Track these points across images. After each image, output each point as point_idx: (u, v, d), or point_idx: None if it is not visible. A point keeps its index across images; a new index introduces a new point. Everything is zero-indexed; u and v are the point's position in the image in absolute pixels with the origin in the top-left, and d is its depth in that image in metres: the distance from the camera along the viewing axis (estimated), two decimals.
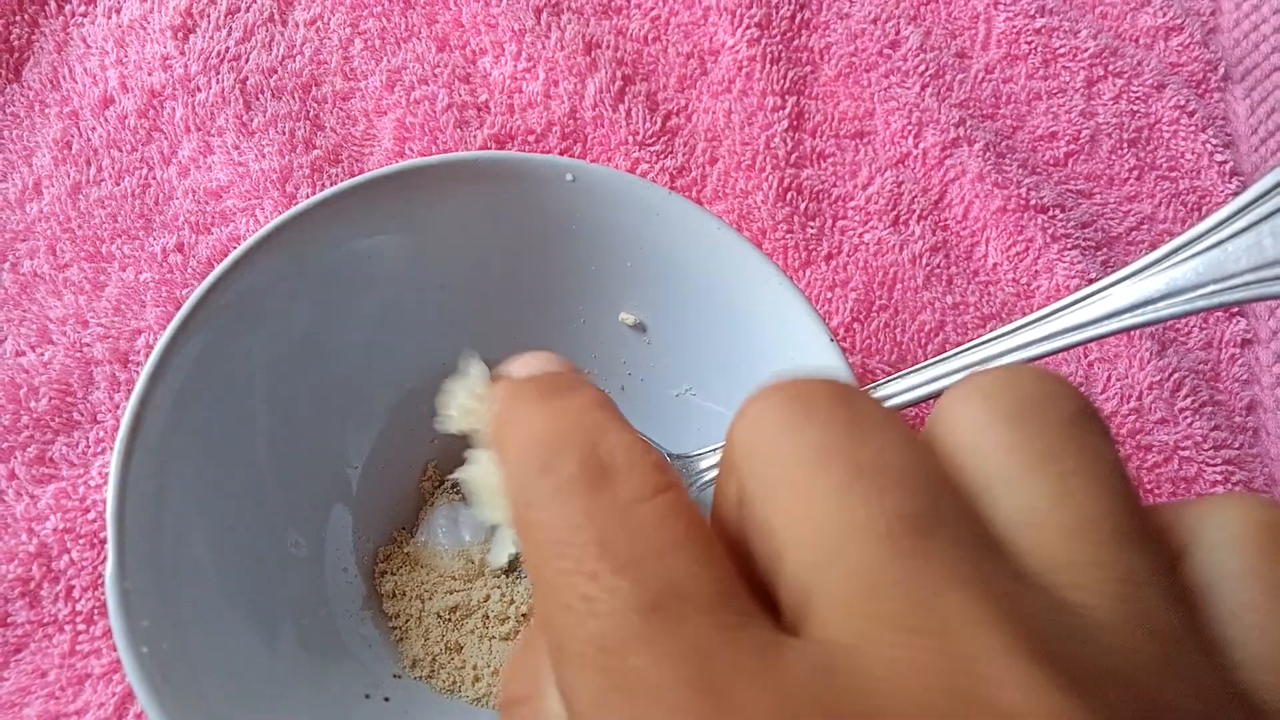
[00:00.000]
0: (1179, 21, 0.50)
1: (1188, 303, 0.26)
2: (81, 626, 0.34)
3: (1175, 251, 0.26)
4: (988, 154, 0.45)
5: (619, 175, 0.33)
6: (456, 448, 0.36)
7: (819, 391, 0.13)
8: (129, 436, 0.27)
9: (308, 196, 0.40)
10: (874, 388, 0.29)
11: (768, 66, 0.46)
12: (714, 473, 0.31)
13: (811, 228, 0.43)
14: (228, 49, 0.43)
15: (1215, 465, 0.40)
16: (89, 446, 0.36)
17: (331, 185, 0.40)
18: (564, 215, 0.33)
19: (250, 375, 0.30)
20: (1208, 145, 0.47)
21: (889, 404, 0.28)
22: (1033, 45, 0.48)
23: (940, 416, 0.13)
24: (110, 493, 0.26)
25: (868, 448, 0.12)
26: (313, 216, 0.31)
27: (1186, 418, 0.41)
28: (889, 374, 0.41)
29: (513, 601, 0.33)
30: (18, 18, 0.44)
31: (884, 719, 0.10)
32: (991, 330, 0.42)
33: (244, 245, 0.29)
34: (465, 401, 0.17)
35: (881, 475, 0.11)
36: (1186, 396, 0.41)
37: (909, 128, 0.45)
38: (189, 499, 0.28)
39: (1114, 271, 0.27)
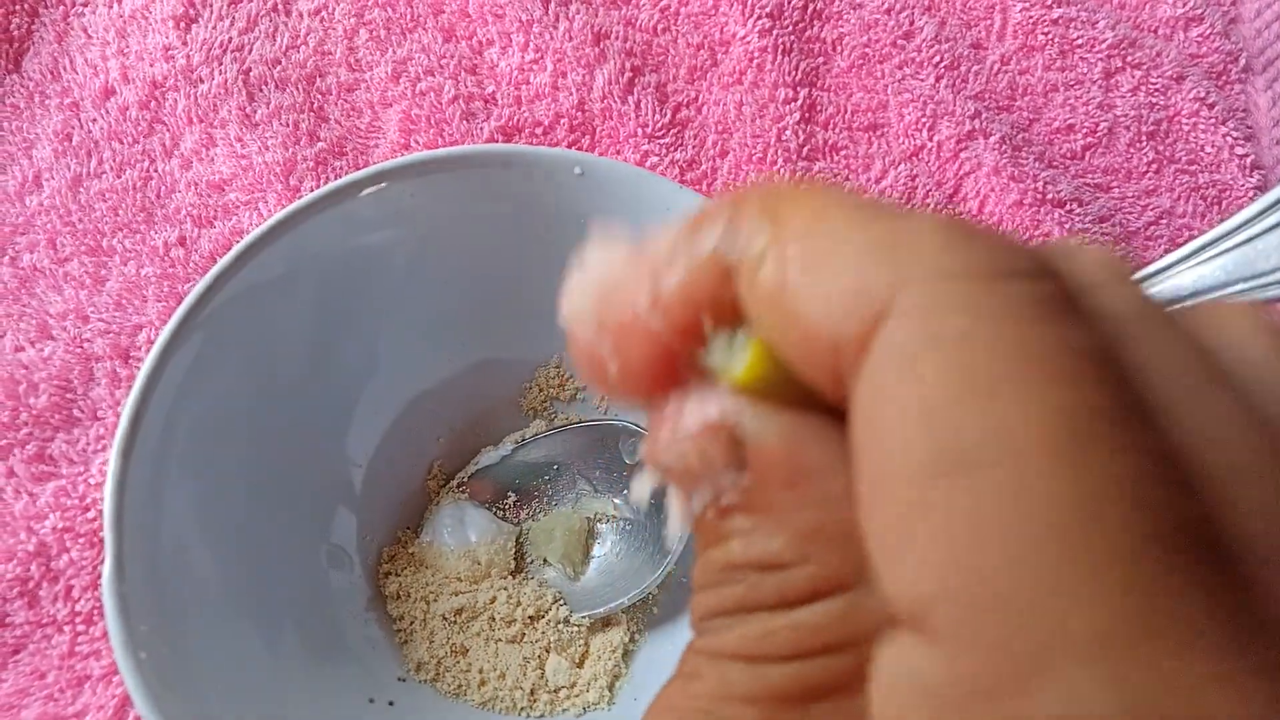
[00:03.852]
0: (1199, 12, 0.49)
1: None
2: (81, 627, 0.33)
3: (1203, 249, 0.26)
4: (1004, 147, 0.44)
5: (628, 169, 0.32)
6: (463, 447, 0.36)
7: None
8: (128, 437, 0.26)
9: (312, 189, 0.39)
10: None
11: (779, 58, 0.45)
12: None
13: None
14: (230, 39, 0.43)
15: None
16: (89, 444, 0.36)
17: (336, 178, 0.39)
18: (573, 209, 0.32)
19: (252, 373, 0.30)
20: (1228, 138, 0.46)
21: None
22: (1049, 36, 0.47)
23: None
24: (108, 494, 0.25)
25: None
26: (316, 210, 0.30)
27: None
28: None
29: (519, 604, 0.33)
30: (17, 7, 0.43)
31: None
32: None
33: (246, 240, 0.29)
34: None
35: None
36: None
37: (923, 120, 0.45)
38: (189, 500, 0.28)
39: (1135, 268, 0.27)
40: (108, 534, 0.25)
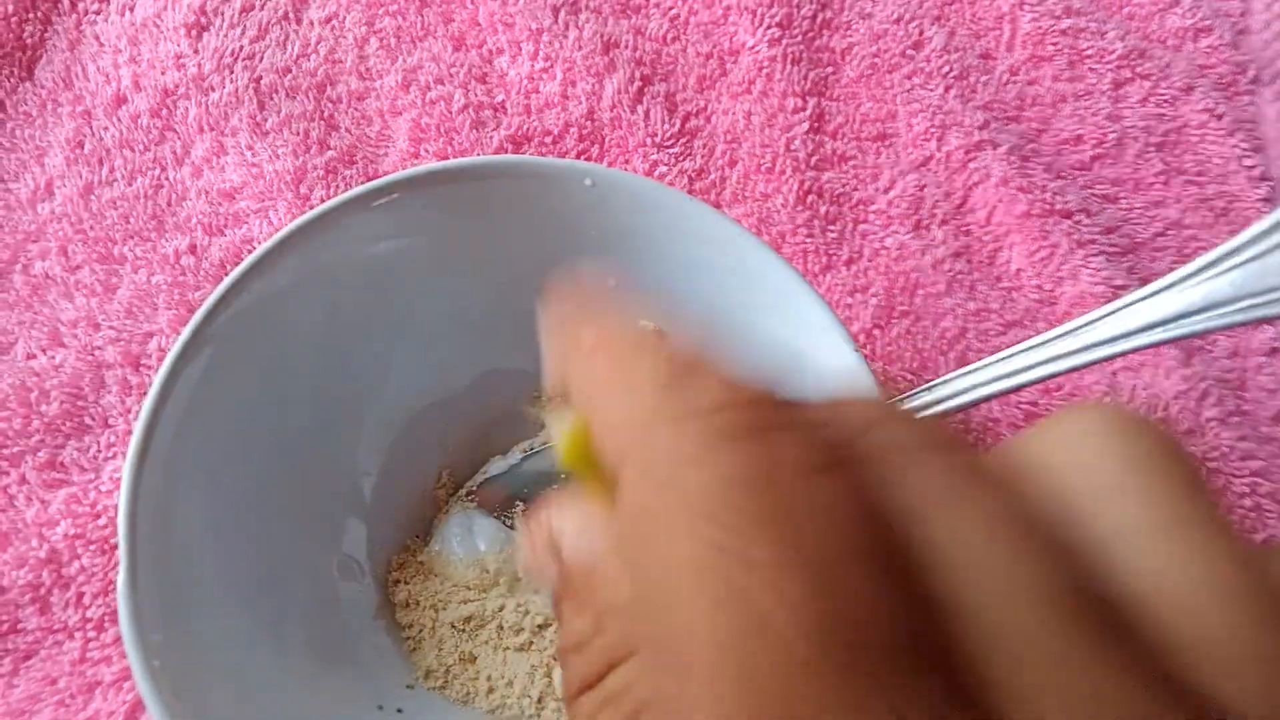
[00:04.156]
0: (1208, 23, 0.49)
1: (1224, 317, 0.25)
2: (92, 634, 0.33)
3: (1212, 264, 0.26)
4: (1012, 157, 0.44)
5: (639, 180, 0.33)
6: (472, 456, 0.36)
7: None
8: (141, 448, 0.26)
9: (322, 198, 0.39)
10: (902, 400, 0.28)
11: (788, 67, 0.45)
12: None
13: (832, 232, 0.42)
14: (242, 47, 0.43)
15: (1242, 476, 0.39)
16: (100, 451, 0.36)
17: (346, 187, 0.39)
18: (583, 221, 0.32)
19: (263, 383, 0.30)
20: (1236, 149, 0.46)
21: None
22: (1059, 46, 0.47)
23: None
24: (122, 505, 0.26)
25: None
26: (328, 222, 0.30)
27: (1213, 428, 0.40)
28: (911, 381, 0.40)
29: (527, 612, 0.33)
30: (31, 15, 0.43)
31: None
32: (1014, 337, 0.41)
33: (258, 251, 0.29)
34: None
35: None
36: (1213, 406, 0.40)
37: (932, 130, 0.45)
38: (201, 510, 0.28)
39: (1140, 278, 0.27)
40: (121, 543, 0.25)
